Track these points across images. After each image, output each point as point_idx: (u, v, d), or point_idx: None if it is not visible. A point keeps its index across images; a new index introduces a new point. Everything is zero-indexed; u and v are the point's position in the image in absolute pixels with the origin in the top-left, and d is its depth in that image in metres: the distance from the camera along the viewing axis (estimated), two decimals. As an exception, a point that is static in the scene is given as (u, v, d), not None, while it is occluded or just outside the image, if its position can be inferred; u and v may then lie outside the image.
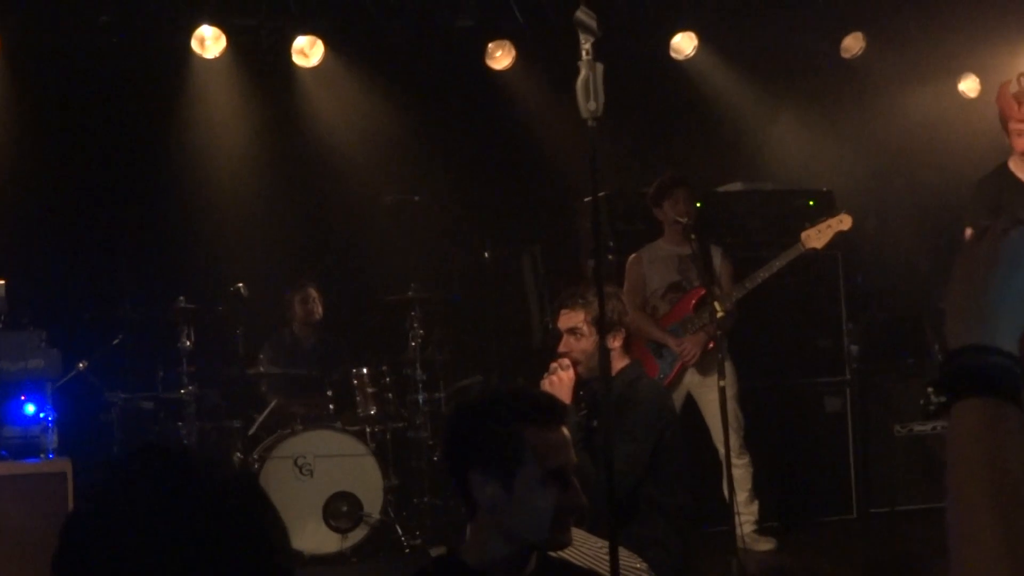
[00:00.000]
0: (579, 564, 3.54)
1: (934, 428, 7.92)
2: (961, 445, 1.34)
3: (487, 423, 2.80)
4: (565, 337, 4.65)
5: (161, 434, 7.47)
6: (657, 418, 4.49)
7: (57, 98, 8.11)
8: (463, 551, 2.87)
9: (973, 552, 1.27)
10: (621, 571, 3.80)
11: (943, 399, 1.38)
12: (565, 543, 2.89)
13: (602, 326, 3.97)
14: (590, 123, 3.96)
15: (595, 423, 4.35)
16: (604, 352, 3.86)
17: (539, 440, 2.79)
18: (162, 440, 6.99)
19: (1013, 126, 5.84)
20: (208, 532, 1.29)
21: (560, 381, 4.50)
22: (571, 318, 4.63)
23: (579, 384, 4.54)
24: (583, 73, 3.97)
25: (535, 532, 2.77)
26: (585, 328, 4.58)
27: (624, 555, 4.03)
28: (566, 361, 4.55)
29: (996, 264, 1.42)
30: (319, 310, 8.26)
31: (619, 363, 4.58)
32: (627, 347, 4.73)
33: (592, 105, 3.97)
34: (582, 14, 3.99)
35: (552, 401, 3.16)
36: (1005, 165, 5.99)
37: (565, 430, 2.88)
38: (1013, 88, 5.87)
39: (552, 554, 3.01)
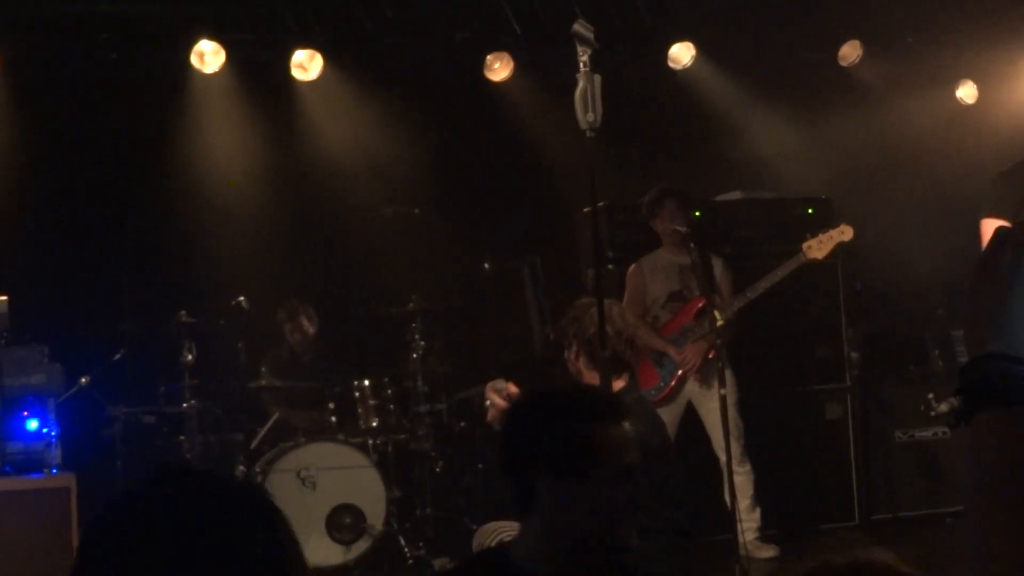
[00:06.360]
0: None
1: (935, 434, 7.94)
2: (984, 456, 1.35)
3: (560, 424, 2.71)
4: None
5: (163, 448, 7.48)
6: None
7: (57, 114, 8.12)
8: (513, 548, 2.76)
9: (994, 556, 1.29)
10: None
11: (961, 406, 1.39)
12: (631, 543, 2.72)
13: (601, 336, 3.98)
14: (588, 134, 3.99)
15: None
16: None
17: (609, 438, 2.70)
18: (172, 458, 7.00)
19: None
20: (222, 547, 1.31)
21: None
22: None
23: None
24: (581, 85, 4.00)
25: (603, 532, 2.67)
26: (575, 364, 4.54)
27: None
28: (501, 384, 4.36)
29: (1016, 275, 1.42)
30: (310, 330, 8.21)
31: (616, 384, 4.41)
32: (619, 364, 4.51)
33: (590, 116, 4.00)
34: (579, 27, 4.02)
35: (613, 397, 2.97)
36: None
37: (627, 425, 2.77)
38: None
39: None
